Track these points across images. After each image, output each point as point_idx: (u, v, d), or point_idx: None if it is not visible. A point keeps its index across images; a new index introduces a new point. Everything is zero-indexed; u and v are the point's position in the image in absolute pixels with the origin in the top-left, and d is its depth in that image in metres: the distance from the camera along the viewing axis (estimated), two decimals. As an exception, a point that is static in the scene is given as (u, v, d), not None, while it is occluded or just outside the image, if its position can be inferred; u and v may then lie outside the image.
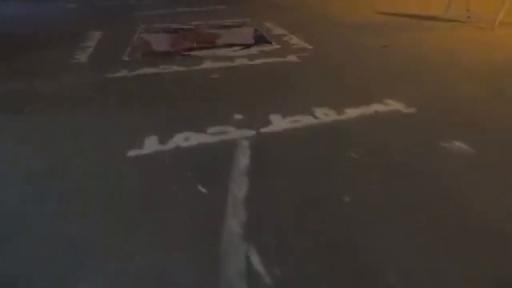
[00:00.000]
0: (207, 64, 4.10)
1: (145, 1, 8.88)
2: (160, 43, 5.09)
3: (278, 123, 2.65)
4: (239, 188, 1.92)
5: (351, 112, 2.80)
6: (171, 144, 2.41)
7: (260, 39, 5.10)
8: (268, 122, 2.67)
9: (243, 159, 2.19)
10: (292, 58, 4.23)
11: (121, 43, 5.11)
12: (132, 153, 2.31)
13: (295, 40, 4.98)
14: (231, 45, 4.82)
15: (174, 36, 5.47)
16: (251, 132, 2.52)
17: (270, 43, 4.89)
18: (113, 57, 4.44)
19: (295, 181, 2.00)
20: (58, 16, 7.70)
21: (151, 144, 2.41)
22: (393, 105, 2.92)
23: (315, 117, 2.73)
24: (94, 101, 3.22)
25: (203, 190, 1.91)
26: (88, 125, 2.77)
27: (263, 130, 2.55)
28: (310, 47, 4.65)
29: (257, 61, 4.16)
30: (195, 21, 6.47)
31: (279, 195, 1.90)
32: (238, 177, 2.01)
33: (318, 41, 4.85)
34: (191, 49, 4.76)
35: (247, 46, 4.78)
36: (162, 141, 2.44)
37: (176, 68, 4.01)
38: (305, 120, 2.70)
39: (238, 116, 2.77)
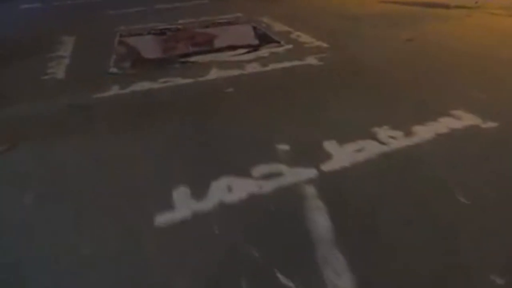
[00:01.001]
0: (214, 73, 3.44)
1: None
2: (149, 48, 4.35)
3: (339, 154, 2.06)
4: (337, 274, 1.32)
5: (421, 132, 2.25)
6: (211, 198, 1.77)
7: (265, 38, 4.46)
8: (325, 154, 2.07)
9: (321, 220, 1.59)
10: (311, 60, 3.63)
11: (102, 50, 4.34)
12: (161, 219, 1.66)
13: (304, 38, 4.38)
14: (234, 47, 4.16)
15: (163, 38, 4.73)
16: (311, 172, 1.92)
17: (278, 42, 4.27)
18: (96, 70, 3.68)
19: (412, 254, 1.42)
20: (18, 19, 6.72)
21: (182, 201, 1.77)
22: (466, 118, 2.39)
23: (381, 142, 2.17)
24: (83, 134, 2.51)
25: (288, 283, 1.31)
26: (79, 169, 2.08)
27: (325, 167, 1.96)
28: (325, 45, 4.07)
29: (272, 67, 3.53)
30: (181, 19, 5.73)
31: (401, 283, 1.32)
32: (327, 253, 1.42)
33: (332, 38, 4.27)
34: (188, 54, 4.06)
35: (253, 47, 4.13)
36: (196, 195, 1.80)
37: (178, 80, 3.32)
38: (370, 147, 2.12)
39: (283, 147, 2.16)
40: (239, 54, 3.93)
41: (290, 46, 4.08)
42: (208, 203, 1.74)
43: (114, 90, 3.18)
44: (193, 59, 3.88)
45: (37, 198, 1.85)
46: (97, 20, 6.10)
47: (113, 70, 3.64)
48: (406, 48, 3.88)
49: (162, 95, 3.05)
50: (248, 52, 4.00)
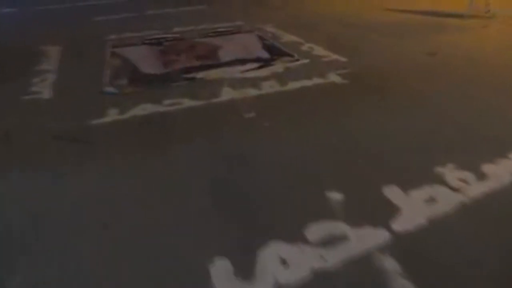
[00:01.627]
0: (227, 93, 3.01)
1: (101, 2, 7.41)
2: (147, 61, 3.88)
3: (408, 206, 1.68)
4: None
5: (495, 173, 1.89)
6: (263, 278, 1.35)
7: (275, 51, 4.06)
8: (390, 206, 1.69)
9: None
10: (334, 77, 3.25)
11: (93, 63, 3.85)
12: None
13: (318, 50, 4.01)
14: (243, 61, 3.74)
15: (161, 49, 4.27)
16: (380, 234, 1.53)
17: (291, 56, 3.88)
18: (89, 88, 3.20)
19: None
20: (-6, 25, 6.13)
21: (224, 280, 1.34)
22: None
23: (452, 188, 1.79)
24: (74, 176, 2.05)
25: None
26: (76, 236, 1.63)
27: (396, 226, 1.57)
28: (343, 59, 3.70)
29: (292, 86, 3.13)
30: (177, 26, 5.27)
31: None
32: None
33: (348, 50, 3.91)
34: (192, 68, 3.63)
35: (265, 61, 3.73)
36: (241, 271, 1.38)
37: (186, 102, 2.88)
38: (441, 195, 1.75)
39: (334, 195, 1.76)
40: (251, 70, 3.52)
41: (307, 60, 3.69)
42: (260, 284, 1.32)
43: (112, 115, 2.71)
44: (199, 75, 3.44)
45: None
46: (84, 27, 5.58)
47: (109, 89, 3.17)
48: (432, 63, 3.56)
49: (170, 122, 2.61)
50: (260, 67, 3.59)
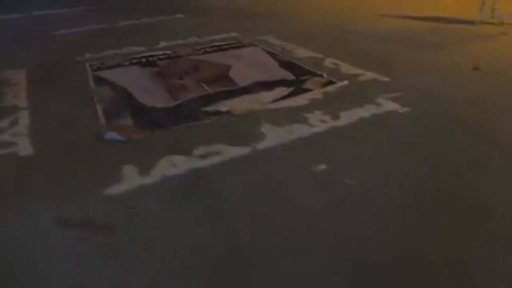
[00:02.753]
0: (271, 133, 2.36)
1: (61, 12, 6.38)
2: (147, 89, 3.11)
3: None
4: None
5: None
6: None
7: (297, 69, 3.45)
8: None
9: None
10: (390, 105, 2.71)
11: (74, 95, 3.03)
12: None
13: (346, 67, 3.46)
14: (266, 85, 3.10)
15: (158, 72, 3.51)
16: None
17: (319, 75, 3.29)
18: (81, 134, 2.41)
19: None
20: None
21: None
22: None
23: None
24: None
25: None
26: None
27: None
28: (384, 78, 3.18)
29: (347, 118, 2.54)
30: (162, 39, 4.50)
31: None
32: None
33: (379, 66, 3.40)
34: (208, 97, 2.93)
35: (293, 84, 3.12)
36: None
37: (226, 150, 2.19)
38: None
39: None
40: (284, 98, 2.89)
41: (345, 82, 3.12)
42: None
43: (131, 177, 1.97)
44: (222, 106, 2.75)
45: None
46: (48, 43, 4.62)
47: (110, 134, 2.39)
48: (481, 80, 3.15)
49: (219, 186, 1.91)
50: (293, 92, 2.97)
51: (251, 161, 2.11)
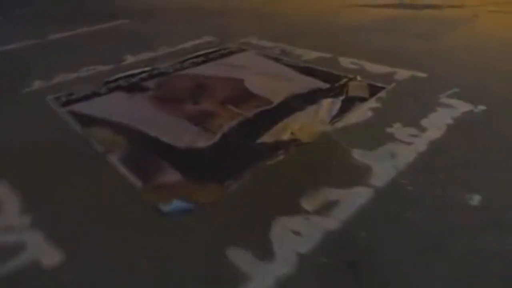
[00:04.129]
0: (374, 164, 1.87)
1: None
2: (161, 124, 2.36)
3: None
4: None
5: None
6: None
7: (323, 75, 2.99)
8: None
9: None
10: (462, 105, 2.40)
11: (60, 148, 2.16)
12: None
13: (368, 66, 3.10)
14: (308, 98, 2.59)
15: (156, 97, 2.74)
16: None
17: (354, 79, 2.87)
18: (119, 212, 1.65)
19: None
20: None
21: None
22: None
23: None
24: None
25: None
26: None
27: None
28: (421, 74, 2.89)
29: (435, 128, 2.16)
30: (128, 53, 3.66)
31: None
32: None
33: (402, 60, 3.12)
34: (248, 123, 2.32)
35: (337, 94, 2.65)
36: None
37: (344, 197, 1.65)
38: None
39: None
40: (344, 113, 2.41)
41: (392, 85, 2.75)
42: None
43: (255, 272, 1.33)
44: (279, 134, 2.17)
45: None
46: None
47: (175, 204, 1.65)
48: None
49: (379, 260, 1.39)
50: (346, 104, 2.51)
51: (382, 204, 1.62)
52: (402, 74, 2.93)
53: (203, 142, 2.14)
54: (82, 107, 2.62)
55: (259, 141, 2.13)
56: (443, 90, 2.61)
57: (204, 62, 3.42)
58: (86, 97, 2.78)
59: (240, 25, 4.56)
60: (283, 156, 1.97)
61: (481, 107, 2.37)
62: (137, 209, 1.66)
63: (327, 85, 2.79)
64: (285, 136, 2.15)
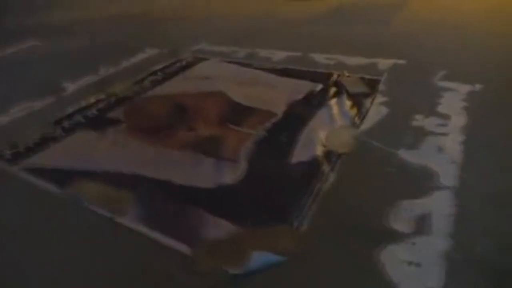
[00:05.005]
0: (440, 169, 1.73)
1: None
2: (161, 162, 1.91)
3: None
4: None
5: None
6: None
7: (307, 75, 2.79)
8: None
9: None
10: (461, 86, 2.40)
11: (50, 226, 1.61)
12: None
13: (345, 59, 3.00)
14: (308, 103, 2.36)
15: (137, 128, 2.24)
16: None
17: (342, 75, 2.73)
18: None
19: None
20: None
21: None
22: None
23: None
24: None
25: None
26: None
27: None
28: (400, 61, 2.88)
29: (455, 114, 2.12)
30: (66, 82, 3.01)
31: None
32: None
33: (373, 49, 3.10)
34: (265, 143, 2.01)
35: (335, 94, 2.47)
36: None
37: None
38: None
39: None
40: (360, 113, 2.24)
41: (385, 75, 2.67)
42: None
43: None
44: (310, 150, 1.91)
45: None
46: None
47: (258, 258, 1.28)
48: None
49: None
50: (355, 104, 2.34)
51: (474, 204, 1.48)
52: (384, 63, 2.89)
53: (230, 175, 1.78)
54: (42, 160, 2.02)
55: (293, 161, 1.85)
56: (433, 74, 2.62)
57: (165, 79, 2.97)
58: (40, 146, 2.16)
59: (182, 31, 4.13)
60: (333, 174, 1.72)
61: (478, 85, 2.42)
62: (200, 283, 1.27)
63: (320, 85, 2.61)
64: (319, 150, 1.91)
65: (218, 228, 1.48)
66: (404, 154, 1.82)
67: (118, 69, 3.27)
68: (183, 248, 1.40)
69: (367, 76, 2.66)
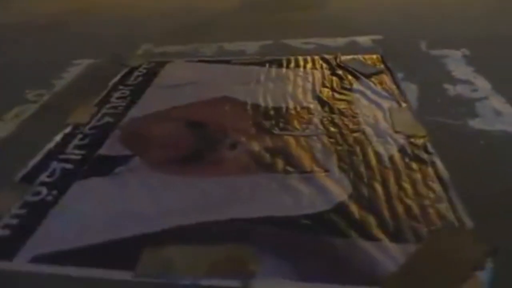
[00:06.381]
0: None
1: None
2: (242, 195, 1.49)
3: None
4: None
5: None
6: None
7: (293, 63, 2.58)
8: None
9: None
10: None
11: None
12: None
13: (327, 41, 2.89)
14: (342, 86, 2.17)
15: (160, 161, 1.70)
16: None
17: (337, 57, 2.58)
18: None
19: None
20: None
21: None
22: None
23: None
24: None
25: None
26: None
27: None
28: (378, 36, 2.89)
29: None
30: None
31: None
32: None
33: (349, 32, 3.06)
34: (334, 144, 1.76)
35: (360, 74, 2.33)
36: None
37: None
38: None
39: None
40: (394, 93, 2.14)
41: (380, 52, 2.62)
42: None
43: None
44: (395, 137, 1.74)
45: None
46: None
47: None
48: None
49: None
50: (381, 81, 2.24)
51: None
52: (363, 41, 2.87)
53: (335, 188, 1.48)
54: (49, 240, 1.36)
55: (381, 152, 1.65)
56: (418, 44, 2.71)
57: (133, 92, 2.38)
58: (30, 219, 1.46)
59: (107, 34, 3.38)
60: (436, 159, 1.59)
61: (464, 50, 2.58)
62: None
63: (327, 71, 2.43)
64: (398, 137, 1.74)
65: (386, 253, 1.20)
66: (476, 124, 1.80)
67: (54, 90, 2.50)
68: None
69: (366, 56, 2.59)
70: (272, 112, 2.02)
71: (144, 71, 2.66)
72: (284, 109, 2.04)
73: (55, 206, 1.50)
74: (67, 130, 2.01)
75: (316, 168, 1.60)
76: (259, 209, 1.41)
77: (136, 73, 2.63)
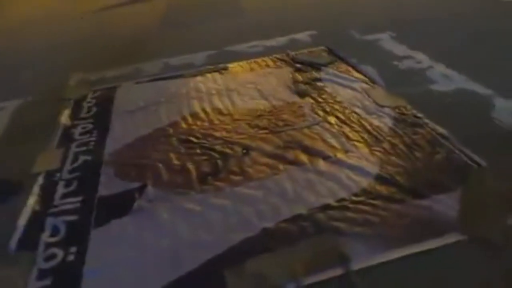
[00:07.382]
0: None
1: None
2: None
3: None
4: None
5: None
6: None
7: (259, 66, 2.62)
8: None
9: None
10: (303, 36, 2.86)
11: None
12: None
13: (269, 42, 2.99)
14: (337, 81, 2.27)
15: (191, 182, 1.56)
16: None
17: (289, 55, 2.70)
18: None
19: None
20: None
21: None
22: None
23: None
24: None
25: None
26: None
27: None
28: (313, 32, 3.10)
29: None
30: None
31: None
32: None
33: (282, 31, 3.22)
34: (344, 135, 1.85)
35: (326, 65, 2.45)
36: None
37: None
38: None
39: None
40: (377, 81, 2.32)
41: (322, 46, 2.80)
42: None
43: None
44: (395, 110, 1.89)
45: None
46: None
47: None
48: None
49: None
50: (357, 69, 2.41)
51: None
52: (301, 37, 3.04)
53: (369, 165, 1.57)
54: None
55: (389, 125, 1.80)
56: (351, 33, 2.99)
57: (96, 124, 2.14)
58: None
59: (23, 69, 2.93)
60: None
61: (391, 33, 2.92)
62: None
63: (289, 68, 2.52)
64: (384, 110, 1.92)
65: (442, 203, 1.33)
66: (436, 87, 2.09)
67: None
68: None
69: (312, 49, 2.77)
70: (261, 113, 2.03)
71: (94, 100, 2.39)
72: (271, 108, 2.07)
73: (85, 263, 1.27)
74: (40, 181, 1.70)
75: (336, 151, 1.67)
76: (312, 200, 1.42)
77: (86, 105, 2.35)
